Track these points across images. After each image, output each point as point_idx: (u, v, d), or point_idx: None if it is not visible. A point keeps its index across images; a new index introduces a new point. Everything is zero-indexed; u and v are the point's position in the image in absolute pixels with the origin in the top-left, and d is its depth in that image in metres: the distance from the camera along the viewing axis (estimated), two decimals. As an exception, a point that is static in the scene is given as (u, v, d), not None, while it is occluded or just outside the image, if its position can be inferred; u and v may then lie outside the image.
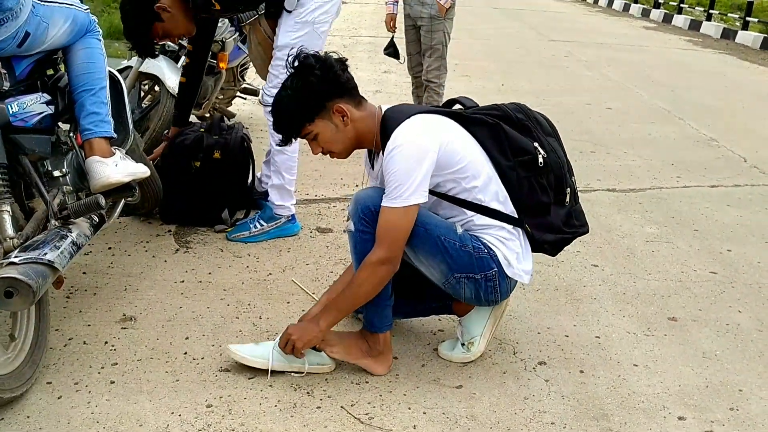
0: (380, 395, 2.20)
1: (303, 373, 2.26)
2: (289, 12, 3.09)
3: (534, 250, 2.34)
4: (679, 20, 15.15)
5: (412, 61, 4.98)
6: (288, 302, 2.74)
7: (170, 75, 3.85)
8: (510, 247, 2.23)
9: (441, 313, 2.54)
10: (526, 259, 2.29)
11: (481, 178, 2.19)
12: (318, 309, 2.34)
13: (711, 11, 14.68)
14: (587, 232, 2.40)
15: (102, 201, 2.27)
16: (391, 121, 2.20)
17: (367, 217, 2.17)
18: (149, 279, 2.86)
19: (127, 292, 2.74)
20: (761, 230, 3.72)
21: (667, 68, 9.15)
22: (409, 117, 2.18)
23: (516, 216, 2.24)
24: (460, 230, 2.21)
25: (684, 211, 3.93)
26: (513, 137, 2.23)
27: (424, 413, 2.13)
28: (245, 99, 5.29)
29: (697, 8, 15.95)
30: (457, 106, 2.42)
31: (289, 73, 2.20)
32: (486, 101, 2.47)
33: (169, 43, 4.02)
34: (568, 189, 2.32)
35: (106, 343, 2.40)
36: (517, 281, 2.29)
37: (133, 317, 2.56)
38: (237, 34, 4.49)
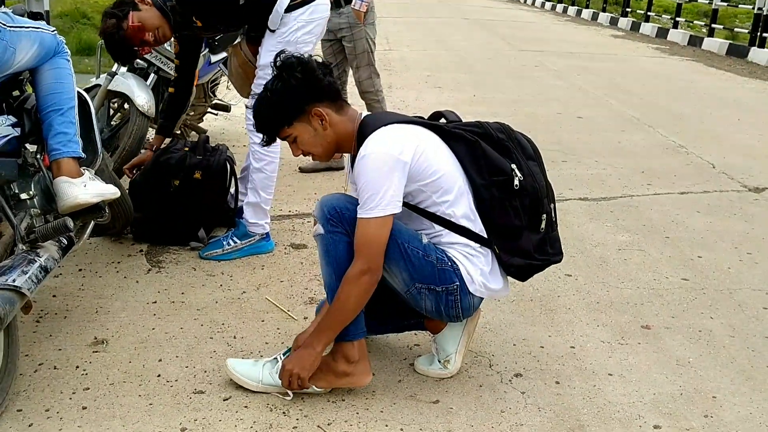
0: (357, 413, 2.19)
1: (290, 396, 2.24)
2: (273, 31, 3.11)
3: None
4: (647, 28, 15.37)
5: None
6: (263, 320, 2.72)
7: (140, 93, 3.82)
8: (475, 264, 2.21)
9: (415, 329, 2.53)
10: (494, 278, 2.26)
11: (453, 193, 2.18)
12: (307, 335, 2.31)
13: (677, 19, 14.92)
14: (560, 260, 2.36)
15: (70, 224, 2.25)
16: (367, 127, 2.20)
17: (333, 217, 2.15)
18: (121, 300, 2.82)
19: (98, 314, 2.70)
20: (730, 236, 3.78)
21: (636, 76, 9.26)
22: (385, 125, 2.18)
23: (485, 236, 2.22)
24: (425, 240, 2.20)
25: (655, 219, 3.98)
26: (490, 156, 2.22)
27: (401, 430, 2.12)
28: (216, 115, 5.26)
29: (663, 16, 16.18)
30: (442, 120, 2.40)
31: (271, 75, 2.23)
32: (458, 112, 2.47)
33: (139, 60, 4.00)
34: (545, 215, 2.28)
35: (77, 367, 2.36)
36: (482, 299, 2.29)
37: (104, 340, 2.52)
38: (206, 50, 4.47)
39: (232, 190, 3.48)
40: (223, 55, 4.62)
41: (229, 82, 5.17)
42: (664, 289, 3.13)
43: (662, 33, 14.72)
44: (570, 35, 14.47)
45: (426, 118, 2.39)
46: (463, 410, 2.23)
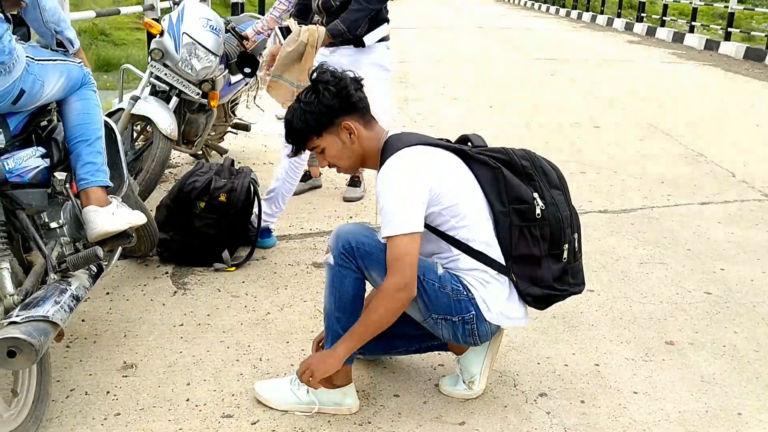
0: (384, 435, 2.21)
1: (311, 412, 2.29)
2: (360, 47, 3.78)
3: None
4: (663, 33, 15.33)
5: None
6: (287, 342, 2.75)
7: (162, 116, 3.88)
8: (491, 291, 2.22)
9: (439, 350, 2.55)
10: (512, 305, 2.26)
11: (473, 217, 2.21)
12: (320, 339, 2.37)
13: (693, 23, 14.86)
14: (581, 291, 2.37)
15: (100, 253, 2.29)
16: (391, 146, 2.24)
17: (347, 252, 2.18)
18: (148, 323, 2.87)
19: (126, 338, 2.75)
20: (752, 247, 3.77)
21: (653, 82, 9.24)
22: (408, 146, 2.22)
23: (503, 263, 2.24)
24: (440, 270, 2.22)
25: (676, 231, 3.97)
26: (512, 184, 2.23)
27: (428, 452, 2.14)
28: (236, 134, 5.32)
29: (679, 20, 16.11)
30: (468, 144, 2.42)
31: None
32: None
33: (160, 83, 4.06)
34: (566, 245, 2.28)
35: (108, 392, 2.40)
36: (499, 326, 2.30)
37: (134, 365, 2.56)
38: (226, 71, 4.53)
39: (256, 210, 3.53)
40: (240, 77, 4.68)
41: (249, 101, 5.25)
42: (687, 303, 3.12)
43: (678, 37, 14.67)
44: (585, 42, 14.46)
45: (453, 141, 2.42)
46: None
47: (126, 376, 2.50)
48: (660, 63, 11.34)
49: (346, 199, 4.47)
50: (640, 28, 16.44)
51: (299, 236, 3.84)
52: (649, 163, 5.35)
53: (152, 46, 4.03)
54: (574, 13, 21.20)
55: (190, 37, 3.95)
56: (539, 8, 24.10)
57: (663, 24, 15.89)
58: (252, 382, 2.45)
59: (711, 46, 13.41)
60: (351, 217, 4.17)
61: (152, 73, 4.00)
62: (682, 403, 2.40)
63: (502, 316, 2.24)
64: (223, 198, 3.34)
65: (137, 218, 2.59)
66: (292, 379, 2.34)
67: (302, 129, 2.26)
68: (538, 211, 2.22)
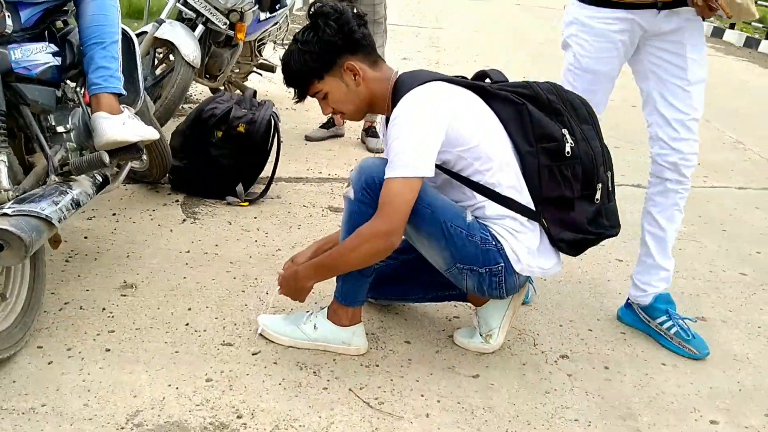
0: (391, 380, 2.06)
1: (317, 349, 2.16)
2: None
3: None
4: (703, 27, 14.93)
5: None
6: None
7: (186, 43, 3.71)
8: (521, 241, 2.03)
9: (456, 300, 2.39)
10: (544, 255, 2.08)
11: (497, 160, 2.01)
12: (307, 257, 2.24)
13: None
14: (616, 234, 2.19)
15: (106, 158, 2.14)
16: (403, 85, 2.03)
17: (370, 188, 1.99)
18: (153, 247, 2.72)
19: (129, 259, 2.61)
20: (792, 234, 3.56)
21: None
22: (423, 83, 2.01)
23: (533, 208, 2.05)
24: (469, 218, 2.02)
25: (712, 212, 3.77)
26: (539, 120, 2.03)
27: (438, 401, 1.99)
28: (261, 75, 5.14)
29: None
30: (486, 80, 2.23)
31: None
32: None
33: (187, 10, 3.89)
34: (600, 185, 2.10)
35: (104, 309, 2.26)
36: (529, 276, 2.12)
37: (134, 284, 2.42)
38: (256, 6, 4.34)
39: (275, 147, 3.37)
40: (268, 15, 4.50)
41: (278, 41, 5.06)
42: (721, 282, 2.94)
43: (718, 32, 14.29)
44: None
45: (470, 78, 2.21)
46: (504, 387, 2.09)
47: (125, 295, 2.36)
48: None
49: (371, 150, 4.29)
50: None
51: (317, 180, 3.67)
52: (685, 146, 5.12)
53: (183, -31, 3.84)
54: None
55: (224, -36, 3.77)
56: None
57: (703, 19, 15.49)
58: (256, 314, 2.31)
59: (750, 43, 13.02)
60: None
61: (183, -3, 3.83)
62: (712, 379, 2.23)
63: (533, 267, 2.06)
64: (241, 128, 3.18)
65: (149, 133, 2.44)
66: (300, 315, 2.19)
67: (301, 72, 2.04)
68: (568, 148, 2.02)
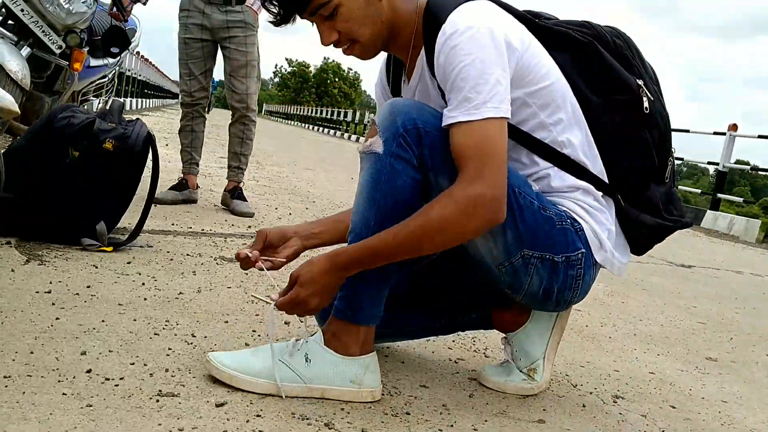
0: (440, 430, 1.36)
1: (311, 395, 1.37)
2: None
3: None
4: None
5: (192, 85, 3.65)
6: (227, 321, 1.81)
7: (12, 58, 2.85)
8: (600, 222, 1.50)
9: (475, 328, 1.75)
10: (620, 246, 1.57)
11: (569, 111, 1.49)
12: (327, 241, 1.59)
13: None
14: (690, 225, 1.73)
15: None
16: (443, 2, 1.44)
17: (409, 135, 1.36)
18: (-8, 286, 1.79)
19: (-43, 297, 1.66)
20: None
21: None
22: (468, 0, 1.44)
23: (606, 180, 1.54)
24: (535, 186, 1.48)
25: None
26: (610, 65, 1.54)
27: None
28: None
29: None
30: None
31: None
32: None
33: (5, 32, 3.03)
34: (671, 159, 1.64)
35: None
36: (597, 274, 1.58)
37: (-22, 325, 1.50)
38: (86, 48, 3.58)
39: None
40: (101, 62, 3.76)
41: (107, 99, 4.27)
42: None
43: None
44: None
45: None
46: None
47: (-35, 338, 1.43)
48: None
49: (238, 215, 3.56)
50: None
51: (190, 233, 2.88)
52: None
53: (11, -33, 3.02)
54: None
55: (67, -33, 3.03)
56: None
57: None
58: (188, 358, 1.50)
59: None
60: (249, 227, 3.27)
61: (4, 4, 2.98)
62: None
63: (615, 257, 1.53)
64: (109, 145, 2.36)
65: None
66: (277, 346, 1.43)
67: None
68: (646, 104, 1.55)
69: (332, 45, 1.46)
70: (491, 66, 1.34)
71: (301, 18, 1.46)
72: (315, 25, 1.46)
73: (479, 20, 1.37)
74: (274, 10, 1.44)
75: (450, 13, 1.40)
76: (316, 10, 1.41)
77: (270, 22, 1.47)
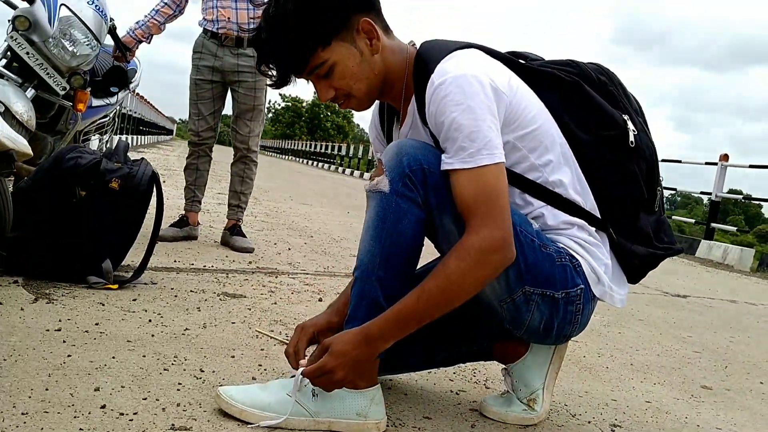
0: (443, 460, 1.40)
1: (320, 429, 1.41)
2: None
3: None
4: None
5: (200, 125, 3.77)
6: (233, 356, 1.85)
7: (18, 100, 2.91)
8: (596, 256, 1.56)
9: (474, 360, 1.80)
10: (617, 278, 1.63)
11: (557, 152, 1.55)
12: (323, 323, 1.58)
13: None
14: (682, 251, 1.79)
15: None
16: (431, 53, 1.51)
17: (415, 174, 1.42)
18: (4, 324, 1.83)
19: (-30, 336, 1.70)
20: None
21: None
22: (458, 49, 1.51)
23: (598, 215, 1.60)
24: (535, 225, 1.54)
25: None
26: (597, 103, 1.61)
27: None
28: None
29: None
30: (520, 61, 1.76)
31: None
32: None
33: (9, 73, 3.10)
34: (659, 188, 1.71)
35: (-47, 393, 1.37)
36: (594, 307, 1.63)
37: (-7, 363, 1.54)
38: (88, 89, 3.65)
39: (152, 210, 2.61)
40: (102, 102, 3.83)
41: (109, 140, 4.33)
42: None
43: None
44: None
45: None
46: (584, 459, 1.51)
47: (-18, 376, 1.47)
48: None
49: (237, 250, 3.61)
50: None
51: (192, 270, 2.92)
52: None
53: (17, 12, 3.09)
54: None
55: (70, 11, 3.10)
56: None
57: None
58: (198, 392, 1.54)
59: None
60: (250, 263, 3.32)
61: (9, 47, 3.06)
62: (779, 440, 1.83)
63: (613, 290, 1.59)
64: (115, 185, 2.42)
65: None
66: (284, 382, 1.48)
67: (299, 38, 1.44)
68: (631, 137, 1.60)
69: (329, 101, 1.53)
70: (482, 113, 1.40)
71: (298, 78, 1.53)
72: (312, 83, 1.53)
73: (467, 69, 1.43)
74: (271, 74, 1.51)
75: (438, 63, 1.46)
76: (313, 70, 1.49)
77: (268, 85, 1.55)
